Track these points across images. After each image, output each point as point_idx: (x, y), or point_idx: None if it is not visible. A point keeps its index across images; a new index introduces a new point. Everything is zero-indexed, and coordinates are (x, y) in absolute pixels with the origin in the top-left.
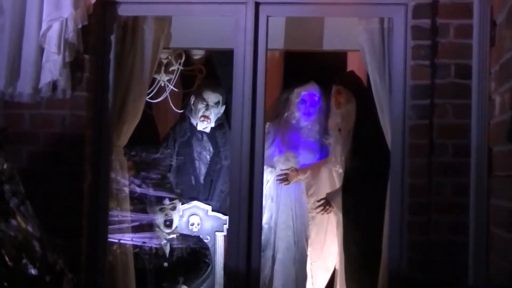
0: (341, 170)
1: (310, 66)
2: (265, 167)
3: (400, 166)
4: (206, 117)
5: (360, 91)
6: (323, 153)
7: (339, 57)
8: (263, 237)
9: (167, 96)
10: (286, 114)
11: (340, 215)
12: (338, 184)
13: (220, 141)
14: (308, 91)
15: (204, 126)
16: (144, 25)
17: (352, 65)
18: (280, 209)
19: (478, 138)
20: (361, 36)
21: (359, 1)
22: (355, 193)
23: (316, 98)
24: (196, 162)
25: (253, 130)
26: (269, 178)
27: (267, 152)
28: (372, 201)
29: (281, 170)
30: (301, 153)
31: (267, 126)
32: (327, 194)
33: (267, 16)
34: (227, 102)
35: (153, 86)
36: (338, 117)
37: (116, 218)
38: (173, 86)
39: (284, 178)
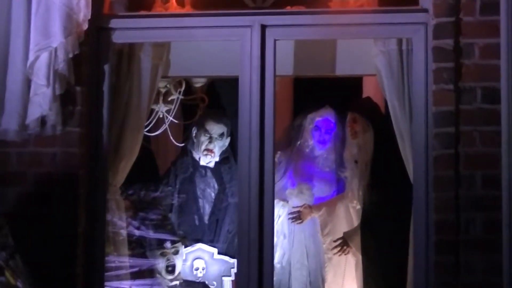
0: (359, 206)
1: (322, 92)
2: (276, 200)
3: (423, 200)
4: (209, 150)
5: (378, 119)
6: (340, 184)
7: (354, 82)
8: (275, 278)
9: (166, 128)
10: (299, 142)
11: (359, 256)
12: (356, 221)
13: (225, 177)
14: (323, 116)
15: (208, 160)
16: (140, 52)
17: (368, 90)
18: (294, 246)
19: (510, 167)
20: (377, 59)
21: (374, 21)
22: (375, 231)
23: (332, 124)
24: (200, 200)
25: (262, 163)
26: (281, 212)
27: (279, 184)
28: (394, 240)
29: (293, 207)
30: (316, 185)
31: (277, 155)
32: (344, 233)
33: (275, 40)
34: (232, 134)
35: (151, 117)
36: (355, 148)
37: (113, 264)
38: (173, 117)
39: (296, 216)
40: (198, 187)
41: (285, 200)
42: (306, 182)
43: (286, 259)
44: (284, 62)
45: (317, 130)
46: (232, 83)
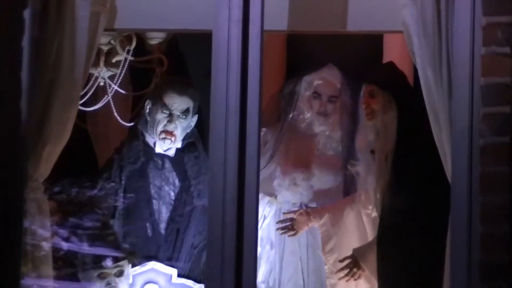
0: (375, 214)
1: (327, 55)
2: (260, 195)
3: (465, 207)
4: (169, 133)
5: (404, 94)
6: (350, 176)
7: (372, 43)
8: None
9: (109, 101)
10: (291, 115)
11: (375, 282)
12: (370, 234)
13: (190, 170)
14: (325, 79)
15: (166, 146)
16: None
17: (390, 54)
18: (285, 259)
19: None
20: (404, 11)
21: None
22: (396, 248)
23: (337, 90)
24: (155, 202)
25: (243, 151)
26: (266, 212)
27: (263, 173)
28: (422, 261)
29: (284, 213)
30: (315, 174)
31: (262, 133)
32: (355, 250)
33: None
34: (201, 110)
35: (89, 86)
36: (371, 133)
37: None
38: (119, 86)
39: (289, 226)
40: (152, 184)
41: (272, 194)
42: (302, 170)
43: (275, 278)
44: (275, 12)
45: (317, 97)
46: (202, 41)
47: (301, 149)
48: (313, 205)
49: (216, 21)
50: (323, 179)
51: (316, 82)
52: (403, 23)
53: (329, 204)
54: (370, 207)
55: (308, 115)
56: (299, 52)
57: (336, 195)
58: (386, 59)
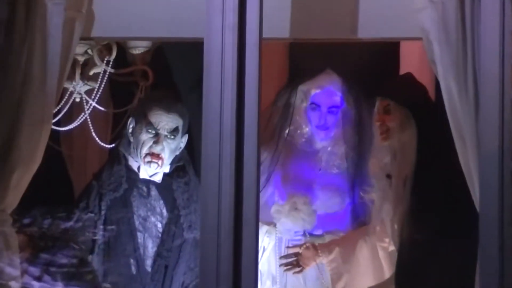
0: (392, 247)
1: (335, 65)
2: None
3: (496, 239)
4: (155, 155)
5: (424, 109)
6: (361, 203)
7: (387, 52)
8: None
9: (86, 119)
10: (287, 130)
11: None
12: (387, 271)
13: (180, 198)
14: (323, 87)
15: (153, 171)
16: None
17: (408, 64)
18: None
19: None
20: (424, 14)
21: None
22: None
23: (337, 98)
24: (139, 234)
25: (239, 175)
26: (266, 243)
27: (260, 198)
28: None
29: (288, 247)
30: (318, 196)
31: None
32: None
33: None
34: (192, 129)
35: (63, 102)
36: (387, 155)
37: None
38: (97, 102)
39: (294, 262)
40: (136, 214)
41: (271, 223)
42: (302, 193)
43: None
44: (275, 17)
45: (315, 109)
46: (192, 50)
47: (301, 169)
48: (319, 232)
49: (208, 28)
50: (329, 202)
51: (313, 92)
52: (422, 28)
53: (338, 234)
54: (387, 240)
55: (306, 129)
56: (303, 63)
57: (343, 220)
58: (403, 70)
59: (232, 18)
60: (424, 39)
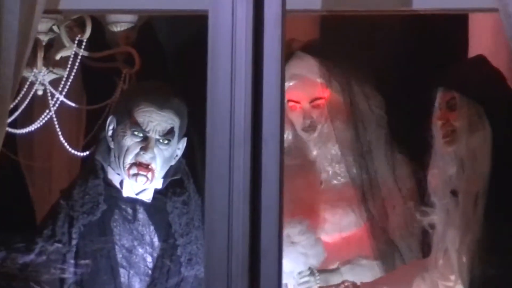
0: (460, 286)
1: (382, 46)
2: None
3: None
4: (143, 166)
5: (501, 104)
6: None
7: (451, 28)
8: None
9: (51, 118)
10: None
11: None
12: None
13: (176, 222)
14: (297, 76)
15: (140, 187)
16: None
17: (479, 43)
18: None
19: None
20: None
21: None
22: None
23: (319, 86)
24: (122, 271)
25: (256, 193)
26: None
27: None
28: None
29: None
30: (326, 218)
31: None
32: None
33: None
34: (191, 132)
35: (20, 95)
36: (451, 165)
37: None
38: (67, 96)
39: None
40: (118, 245)
41: None
42: (298, 219)
43: None
44: None
45: (295, 107)
46: (192, 27)
47: (295, 189)
48: (333, 264)
49: None
50: (341, 222)
51: (287, 85)
52: None
53: (360, 262)
54: (452, 277)
55: (290, 137)
56: (338, 41)
57: (364, 241)
58: (473, 52)
59: None
60: (501, 10)
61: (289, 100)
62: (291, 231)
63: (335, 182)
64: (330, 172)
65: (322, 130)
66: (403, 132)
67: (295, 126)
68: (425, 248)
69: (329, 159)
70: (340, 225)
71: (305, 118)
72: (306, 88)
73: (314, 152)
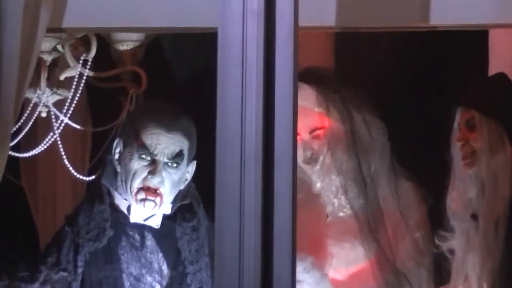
0: None
1: (399, 63)
2: None
3: None
4: (151, 190)
5: None
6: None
7: (470, 44)
8: None
9: (55, 141)
10: None
11: None
12: None
13: (186, 249)
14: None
15: (148, 213)
16: None
17: (500, 60)
18: None
19: None
20: None
21: None
22: None
23: (318, 116)
24: None
25: (268, 215)
26: None
27: None
28: None
29: None
30: (332, 253)
31: None
32: None
33: None
34: (202, 154)
35: (23, 118)
36: (471, 187)
37: None
38: (71, 118)
39: None
40: (125, 273)
41: None
42: (302, 256)
43: None
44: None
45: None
46: (201, 44)
47: (300, 226)
48: None
49: (223, 14)
50: (350, 256)
51: None
52: None
53: None
54: None
55: None
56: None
57: (373, 274)
58: (493, 69)
59: (256, 0)
60: None
61: None
62: (307, 267)
63: (341, 214)
64: (336, 204)
65: (324, 161)
66: (411, 158)
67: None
68: (444, 274)
69: (334, 191)
70: (348, 259)
71: (306, 150)
72: (304, 119)
73: (318, 185)
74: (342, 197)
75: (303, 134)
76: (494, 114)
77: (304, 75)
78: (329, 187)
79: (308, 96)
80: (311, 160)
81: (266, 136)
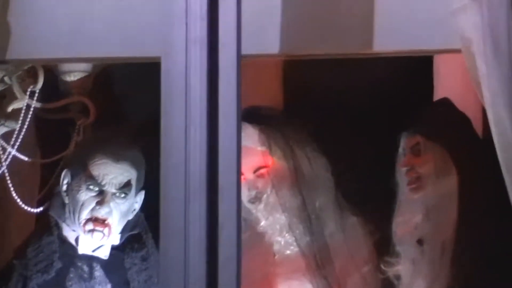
0: None
1: (346, 91)
2: None
3: None
4: (99, 221)
5: (467, 148)
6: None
7: (415, 69)
8: None
9: (3, 173)
10: None
11: None
12: None
13: (135, 279)
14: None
15: (96, 244)
16: None
17: (445, 85)
18: None
19: None
20: (462, 17)
21: None
22: None
23: (261, 155)
24: None
25: (213, 244)
26: None
27: None
28: None
29: None
30: None
31: None
32: None
33: None
34: (149, 184)
35: None
36: (417, 212)
37: None
38: (19, 150)
39: None
40: None
41: None
42: None
43: None
44: (260, 27)
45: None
46: (149, 74)
47: (247, 266)
48: None
49: (166, 43)
50: None
51: None
52: (461, 37)
53: None
54: None
55: None
56: (302, 84)
57: None
58: (438, 94)
59: (199, 29)
60: (464, 51)
61: None
62: None
63: (288, 252)
64: (282, 242)
65: (268, 200)
66: (356, 191)
67: (242, 199)
68: None
69: (279, 229)
70: None
71: (250, 189)
72: (248, 158)
73: (263, 223)
74: (288, 235)
75: (247, 173)
76: (439, 139)
77: (246, 115)
78: (274, 225)
79: (251, 135)
80: (256, 199)
81: (210, 165)
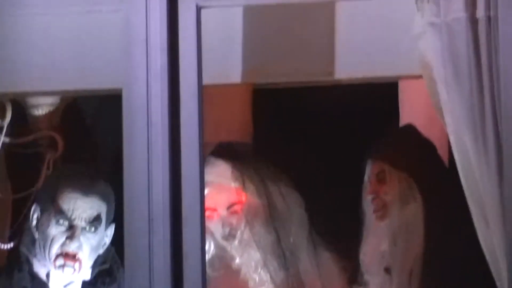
0: None
1: (312, 118)
2: None
3: None
4: (70, 256)
5: (432, 175)
6: None
7: (380, 95)
8: None
9: None
10: None
11: None
12: None
13: None
14: (211, 185)
15: (67, 279)
16: None
17: (409, 111)
18: None
19: None
20: (424, 42)
21: None
22: None
23: (235, 192)
24: None
25: (177, 272)
26: None
27: None
28: None
29: None
30: None
31: None
32: None
33: (199, 7)
34: (119, 216)
35: None
36: (384, 240)
37: None
38: None
39: None
40: None
41: None
42: None
43: None
44: (222, 57)
45: (211, 216)
46: (116, 107)
47: None
48: None
49: (127, 75)
50: None
51: None
52: (422, 62)
53: None
54: None
55: (212, 247)
56: (271, 112)
57: None
58: (404, 120)
59: (159, 60)
60: (425, 77)
61: (206, 209)
62: None
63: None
64: (257, 279)
65: (242, 236)
66: (329, 226)
67: (215, 235)
68: None
69: (254, 266)
70: None
71: (224, 226)
72: (221, 195)
73: (238, 260)
74: (263, 271)
75: (221, 210)
76: (404, 166)
77: (218, 151)
78: (248, 262)
79: (223, 172)
80: (230, 236)
81: (173, 195)
